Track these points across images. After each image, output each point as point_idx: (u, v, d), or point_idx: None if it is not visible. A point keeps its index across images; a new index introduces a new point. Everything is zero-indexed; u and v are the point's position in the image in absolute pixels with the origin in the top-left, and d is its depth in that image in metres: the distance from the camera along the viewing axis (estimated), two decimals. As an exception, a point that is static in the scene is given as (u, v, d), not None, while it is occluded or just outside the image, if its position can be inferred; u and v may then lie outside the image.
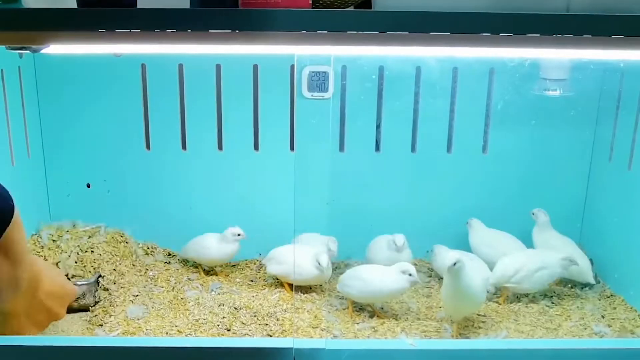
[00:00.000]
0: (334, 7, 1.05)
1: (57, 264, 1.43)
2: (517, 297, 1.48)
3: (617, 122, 1.54)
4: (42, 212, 1.61)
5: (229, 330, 1.31)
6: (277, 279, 1.54)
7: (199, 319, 1.35)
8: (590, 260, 1.52)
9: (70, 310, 1.33)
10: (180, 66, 1.55)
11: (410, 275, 1.33)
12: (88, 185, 1.63)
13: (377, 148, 1.63)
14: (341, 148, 1.62)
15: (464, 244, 1.59)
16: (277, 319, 1.35)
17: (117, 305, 1.38)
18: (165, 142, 1.61)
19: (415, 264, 1.45)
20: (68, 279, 1.39)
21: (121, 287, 1.44)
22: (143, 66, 1.55)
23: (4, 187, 1.00)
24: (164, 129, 1.60)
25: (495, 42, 0.92)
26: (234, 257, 1.57)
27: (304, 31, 0.89)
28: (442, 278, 1.41)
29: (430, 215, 1.64)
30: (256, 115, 1.59)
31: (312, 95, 1.50)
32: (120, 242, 1.57)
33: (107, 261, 1.48)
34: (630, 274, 1.48)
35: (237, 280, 1.57)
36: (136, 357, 1.05)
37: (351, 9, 1.05)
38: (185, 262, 1.62)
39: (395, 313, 1.42)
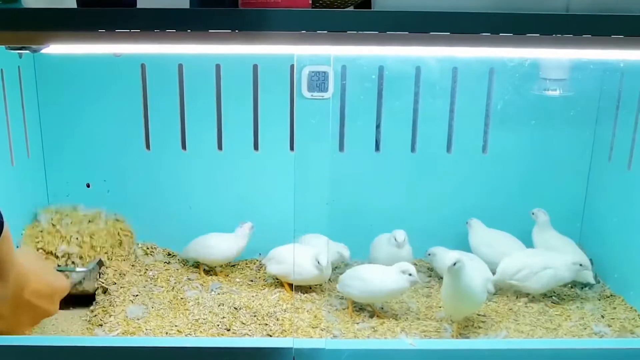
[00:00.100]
0: (333, 7, 1.05)
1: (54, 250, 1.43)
2: (517, 297, 1.48)
3: (616, 122, 1.54)
4: (42, 212, 1.61)
5: (228, 330, 1.31)
6: (277, 279, 1.54)
7: (199, 318, 1.35)
8: (590, 260, 1.52)
9: (72, 297, 1.32)
10: (180, 66, 1.55)
11: (410, 275, 1.33)
12: (88, 185, 1.63)
13: (377, 148, 1.63)
14: (341, 148, 1.62)
15: (464, 244, 1.59)
16: (277, 319, 1.35)
17: (116, 305, 1.38)
18: (165, 142, 1.61)
19: (415, 264, 1.45)
20: (66, 264, 1.39)
21: (121, 287, 1.44)
22: (143, 66, 1.55)
23: None
24: (163, 129, 1.60)
25: (495, 42, 0.92)
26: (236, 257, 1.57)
27: (304, 31, 0.89)
28: (442, 278, 1.41)
29: (430, 215, 1.64)
30: (256, 115, 1.60)
31: (311, 95, 1.50)
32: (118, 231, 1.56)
33: (102, 247, 1.48)
34: (630, 274, 1.48)
35: (237, 280, 1.57)
36: (136, 357, 1.05)
37: (351, 9, 1.05)
38: (185, 262, 1.62)
39: (395, 313, 1.42)
